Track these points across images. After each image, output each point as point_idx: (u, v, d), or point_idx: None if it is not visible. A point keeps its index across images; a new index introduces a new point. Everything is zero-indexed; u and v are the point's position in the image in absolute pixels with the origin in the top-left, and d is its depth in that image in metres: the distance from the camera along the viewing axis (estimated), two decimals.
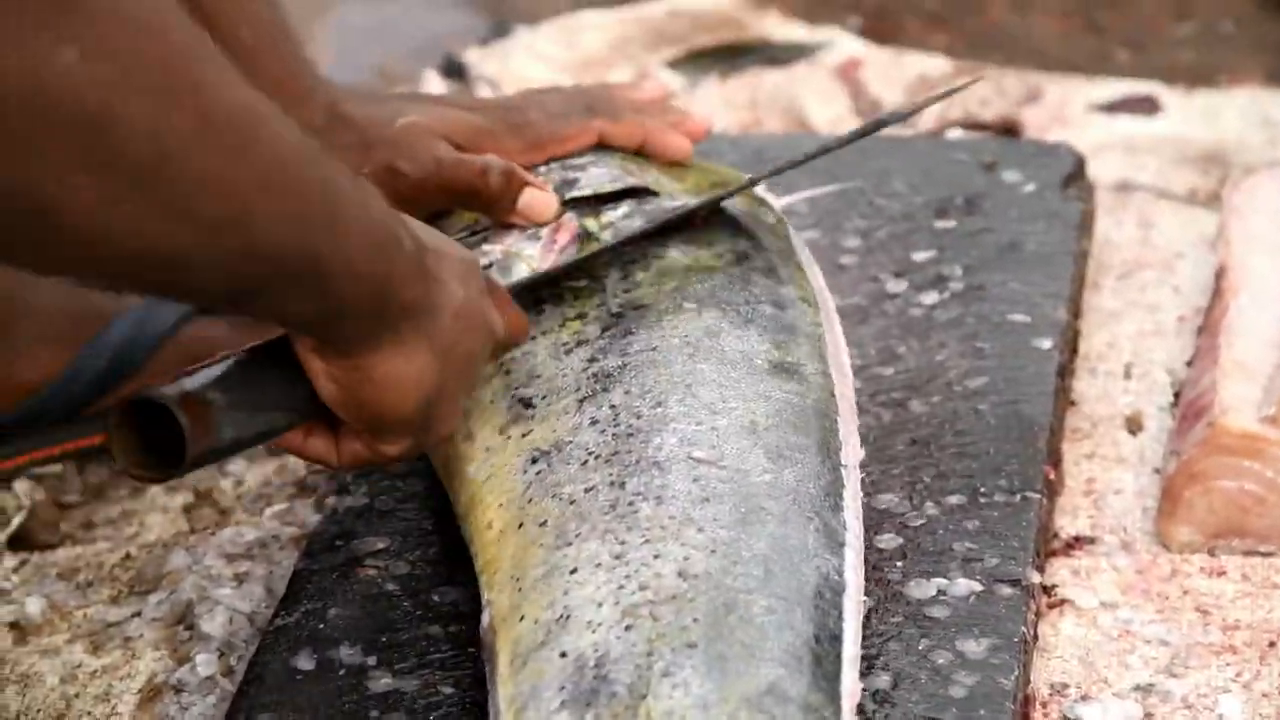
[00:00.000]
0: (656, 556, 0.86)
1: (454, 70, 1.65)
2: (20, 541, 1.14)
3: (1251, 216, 1.23)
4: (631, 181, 1.08)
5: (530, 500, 0.92)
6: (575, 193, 1.07)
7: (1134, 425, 1.14)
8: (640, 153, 1.12)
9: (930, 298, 1.18)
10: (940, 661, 0.90)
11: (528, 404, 0.97)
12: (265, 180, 0.72)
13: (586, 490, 0.91)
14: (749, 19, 1.75)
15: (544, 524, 0.90)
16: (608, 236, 1.05)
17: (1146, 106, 1.55)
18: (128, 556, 1.10)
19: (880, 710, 0.87)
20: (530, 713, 0.82)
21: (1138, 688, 0.95)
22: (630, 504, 0.89)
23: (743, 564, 0.86)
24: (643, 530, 0.88)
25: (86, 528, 1.15)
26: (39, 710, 0.99)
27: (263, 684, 0.92)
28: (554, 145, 1.10)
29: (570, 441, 0.94)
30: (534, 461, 0.94)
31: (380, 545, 1.00)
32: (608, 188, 1.07)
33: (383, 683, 0.91)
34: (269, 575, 1.05)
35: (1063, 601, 1.00)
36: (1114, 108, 1.55)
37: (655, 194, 1.08)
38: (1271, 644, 0.97)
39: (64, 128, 0.65)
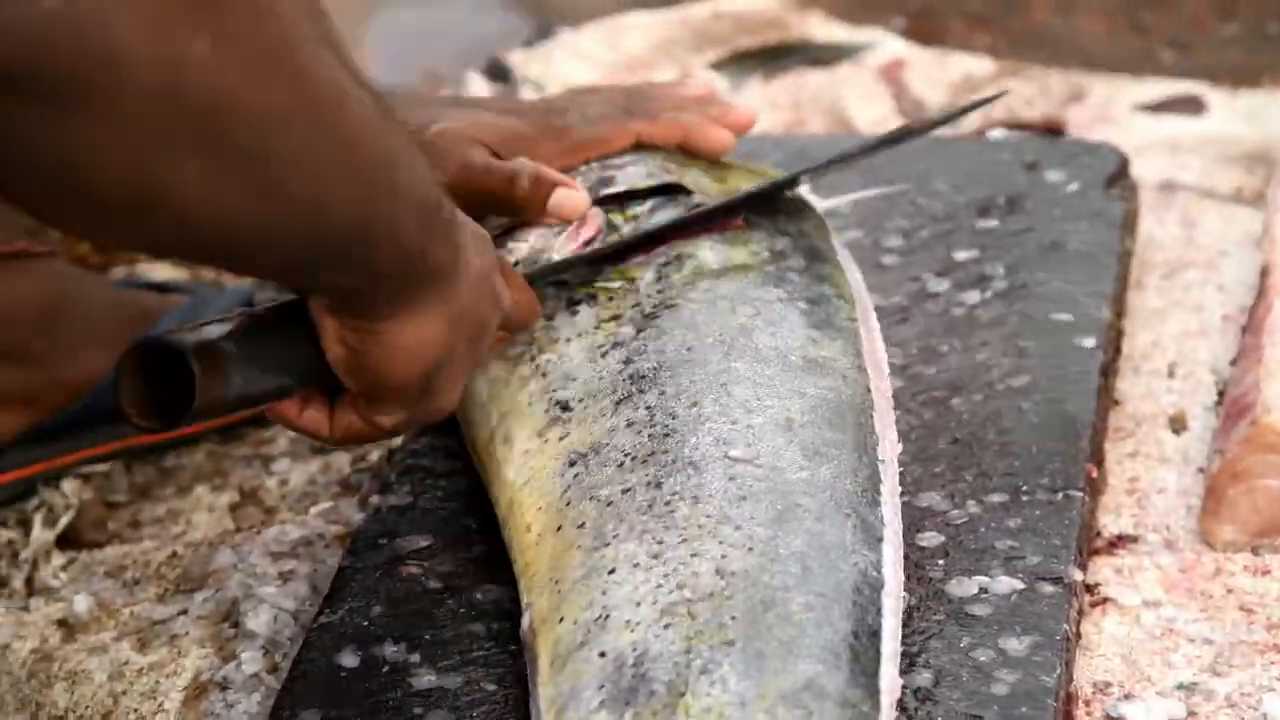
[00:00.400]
0: (694, 555, 0.87)
1: (498, 73, 1.66)
2: (68, 540, 1.15)
3: None
4: (666, 178, 1.08)
5: (569, 503, 0.93)
6: (609, 190, 1.08)
7: (1178, 424, 1.13)
8: (683, 151, 1.12)
9: (973, 297, 1.18)
10: (982, 659, 0.90)
11: (565, 407, 0.98)
12: (345, 159, 0.72)
13: (624, 491, 0.91)
14: (792, 20, 1.75)
15: (582, 526, 0.91)
16: (629, 230, 1.05)
17: (1191, 106, 1.54)
18: (174, 555, 1.11)
19: (922, 708, 0.87)
20: (570, 713, 0.83)
21: (1181, 686, 0.94)
22: (667, 504, 0.90)
23: (780, 561, 0.86)
24: (680, 529, 0.88)
25: (134, 526, 1.16)
26: (87, 707, 1.00)
27: (307, 681, 0.92)
28: (592, 148, 1.10)
29: (607, 444, 0.94)
30: (571, 464, 0.94)
31: (423, 543, 1.00)
32: (641, 184, 1.08)
33: (426, 680, 0.91)
34: (313, 573, 1.06)
35: (1105, 600, 1.00)
36: (1159, 108, 1.54)
37: (689, 192, 1.08)
38: None
39: (191, 117, 0.65)
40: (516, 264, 1.05)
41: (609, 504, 0.91)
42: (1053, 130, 1.51)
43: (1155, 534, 1.05)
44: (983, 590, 0.94)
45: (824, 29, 1.73)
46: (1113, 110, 1.54)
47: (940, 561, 0.96)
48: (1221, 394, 1.15)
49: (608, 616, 0.85)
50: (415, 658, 0.93)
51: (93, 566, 1.12)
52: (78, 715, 1.00)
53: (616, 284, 1.04)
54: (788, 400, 0.95)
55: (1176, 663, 0.96)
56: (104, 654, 1.03)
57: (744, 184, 1.11)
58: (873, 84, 1.62)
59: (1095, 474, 1.05)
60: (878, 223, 1.25)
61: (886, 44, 1.69)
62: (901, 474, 0.98)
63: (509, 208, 1.06)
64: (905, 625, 0.90)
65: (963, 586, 0.94)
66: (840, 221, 1.20)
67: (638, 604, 0.85)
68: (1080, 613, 0.97)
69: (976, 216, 1.26)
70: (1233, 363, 1.16)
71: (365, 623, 0.95)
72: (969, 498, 1.00)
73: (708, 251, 1.05)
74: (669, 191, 1.08)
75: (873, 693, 0.83)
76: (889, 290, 1.18)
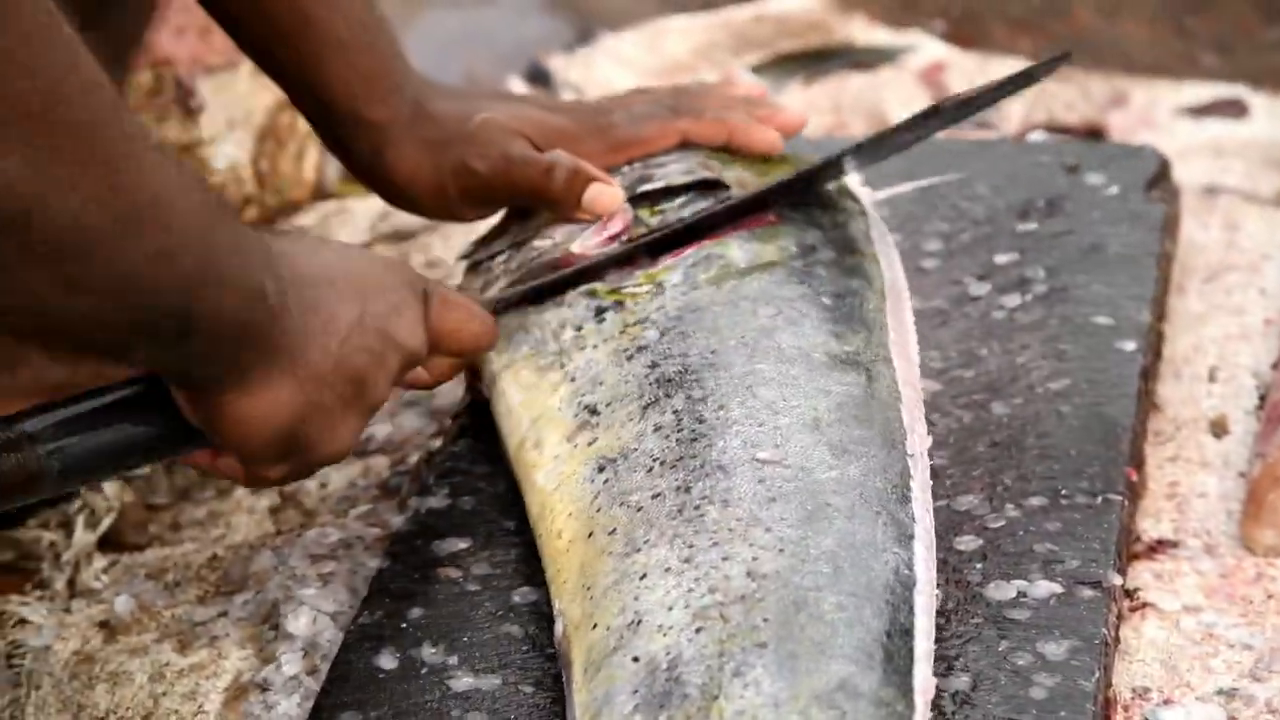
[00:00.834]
0: (725, 558, 0.87)
1: (539, 76, 1.66)
2: (110, 542, 1.15)
3: None
4: (704, 175, 1.08)
5: (599, 509, 0.93)
6: (647, 187, 1.08)
7: (1218, 428, 1.13)
8: (728, 150, 1.12)
9: (1012, 300, 1.17)
10: (1020, 663, 0.90)
11: (593, 410, 0.98)
12: (155, 262, 0.74)
13: (653, 496, 0.91)
14: (834, 23, 1.75)
15: (613, 532, 0.91)
16: (653, 224, 1.05)
17: (1234, 110, 1.54)
18: (215, 557, 1.12)
19: (960, 711, 0.87)
20: (605, 718, 0.83)
21: (1221, 692, 0.94)
22: (697, 508, 0.90)
23: (811, 562, 0.86)
24: (710, 533, 0.88)
25: (174, 529, 1.17)
26: (128, 708, 1.01)
27: (346, 683, 0.93)
28: (636, 146, 1.11)
29: (635, 449, 0.95)
30: (601, 470, 0.95)
31: (462, 546, 1.01)
32: (678, 181, 1.08)
33: (464, 682, 0.92)
34: (352, 576, 1.07)
35: (1145, 605, 0.99)
36: (1201, 111, 1.54)
37: (727, 188, 1.08)
38: None
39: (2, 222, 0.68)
40: (538, 257, 1.05)
41: (639, 509, 0.91)
42: (1094, 134, 1.51)
43: (1195, 539, 1.04)
44: (1021, 594, 0.94)
45: (865, 32, 1.73)
46: (1155, 114, 1.53)
47: (979, 565, 0.96)
48: (1263, 398, 1.14)
49: (640, 622, 0.85)
50: (453, 660, 0.93)
51: (134, 568, 1.12)
52: (119, 716, 1.01)
53: (644, 288, 1.04)
54: (814, 399, 0.95)
55: (1216, 668, 0.95)
56: (145, 655, 1.03)
57: (788, 175, 1.10)
58: (914, 87, 1.62)
59: (1135, 478, 1.04)
60: (917, 226, 1.25)
61: (927, 47, 1.68)
62: (940, 477, 0.98)
63: (544, 200, 1.07)
64: (943, 629, 0.90)
65: (1001, 590, 0.94)
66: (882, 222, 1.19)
67: (669, 608, 0.85)
68: (1119, 617, 0.96)
69: (1017, 219, 1.25)
70: (1274, 366, 1.16)
71: (404, 625, 0.95)
72: (1008, 501, 1.00)
73: (736, 250, 1.04)
74: (705, 188, 1.08)
75: (906, 692, 0.82)
76: (928, 293, 1.17)
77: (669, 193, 1.08)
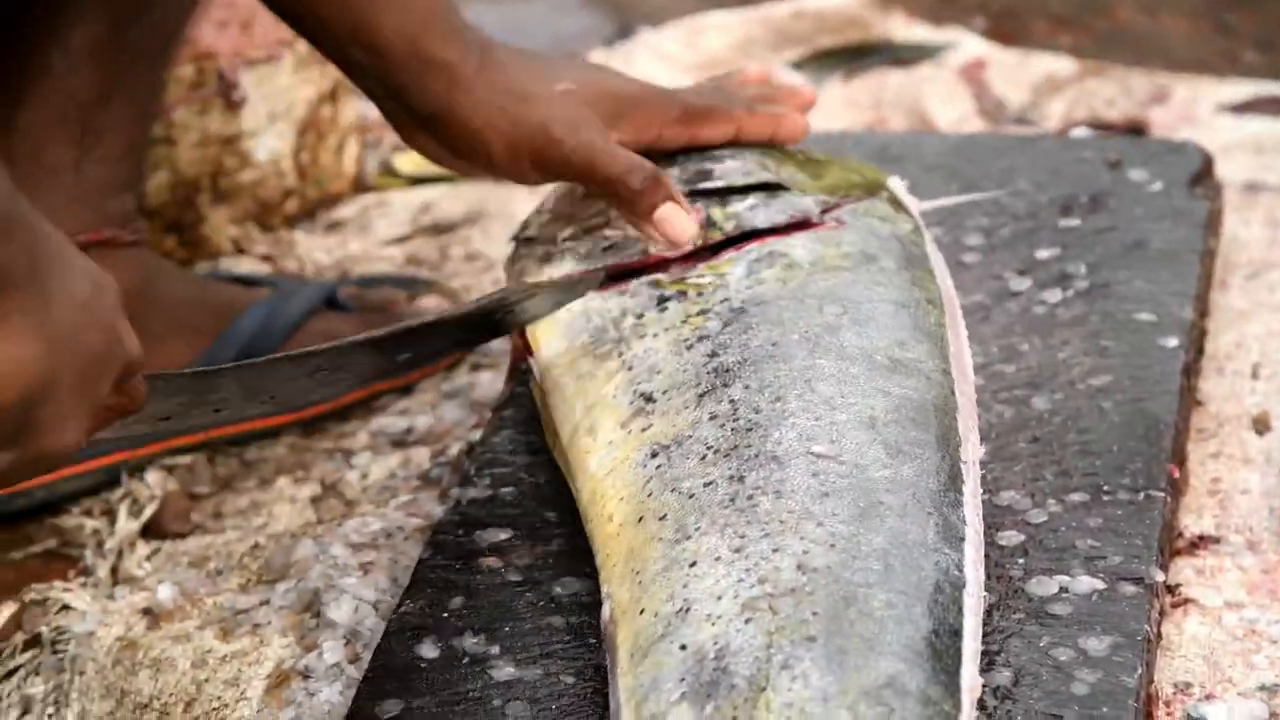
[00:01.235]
0: (775, 550, 0.87)
1: None
2: (152, 530, 1.16)
3: None
4: (765, 177, 1.08)
5: (650, 494, 0.93)
6: (707, 185, 1.08)
7: (1261, 425, 1.13)
8: (774, 148, 1.12)
9: (1054, 295, 1.17)
10: (1062, 658, 0.90)
11: (649, 398, 0.98)
12: None
13: (706, 484, 0.91)
14: (873, 19, 1.75)
15: (664, 518, 0.91)
16: (730, 228, 1.06)
17: (1275, 107, 1.53)
18: (256, 546, 1.12)
19: (1002, 706, 0.87)
20: (650, 704, 0.83)
21: (1263, 687, 0.94)
22: (749, 498, 0.90)
23: (861, 558, 0.86)
24: (762, 524, 0.88)
25: (216, 518, 1.17)
26: (170, 694, 1.01)
27: (388, 671, 0.93)
28: (704, 120, 1.09)
29: (690, 436, 0.95)
30: (654, 456, 0.95)
31: (503, 537, 1.01)
32: (739, 182, 1.08)
33: (505, 671, 0.92)
34: (394, 565, 1.07)
35: (1187, 601, 0.99)
36: (1242, 108, 1.53)
37: (787, 189, 1.08)
38: None
39: None
40: (610, 248, 1.05)
41: (690, 496, 0.91)
42: (1135, 130, 1.51)
43: (1237, 535, 1.04)
44: (1063, 589, 0.94)
45: (905, 28, 1.73)
46: (1196, 110, 1.53)
47: (1020, 560, 0.96)
48: None
49: (688, 609, 0.85)
50: (495, 650, 0.93)
51: (176, 556, 1.13)
52: (162, 702, 1.01)
53: (706, 279, 1.04)
54: (872, 398, 0.95)
55: (1259, 664, 0.95)
56: (187, 642, 1.04)
57: (841, 181, 1.11)
58: (954, 84, 1.62)
59: (1177, 474, 1.04)
60: (959, 221, 1.25)
61: (968, 44, 1.68)
62: (981, 473, 0.98)
63: (616, 198, 1.05)
64: (985, 624, 0.90)
65: (1043, 586, 0.94)
66: (923, 219, 1.19)
67: (719, 598, 0.85)
68: (1161, 613, 0.96)
69: (1059, 215, 1.25)
70: None
71: (445, 614, 0.96)
72: (1049, 496, 1.00)
73: (799, 249, 1.05)
74: (766, 189, 1.08)
75: (954, 691, 0.82)
76: (970, 288, 1.17)
77: (731, 192, 1.08)
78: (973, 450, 0.96)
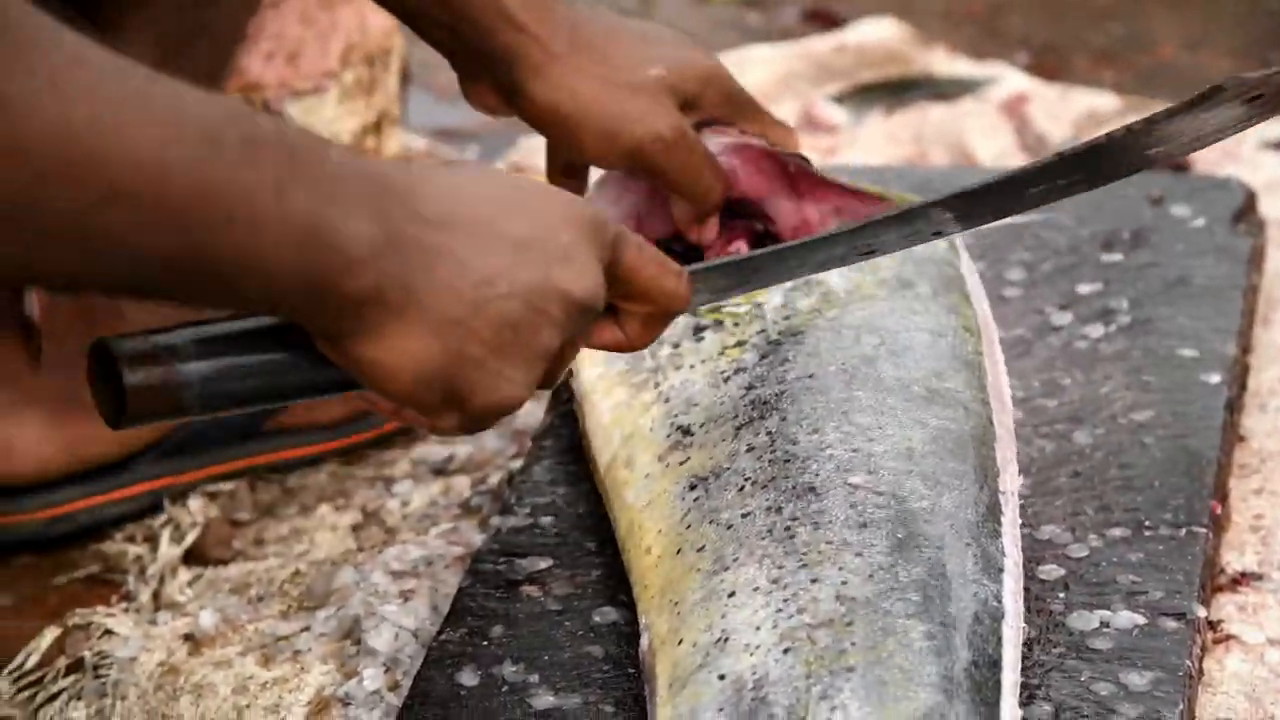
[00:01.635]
0: (814, 581, 0.87)
1: None
2: (194, 556, 1.17)
3: None
4: None
5: (689, 526, 0.93)
6: None
7: None
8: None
9: (1096, 330, 1.17)
10: (1103, 693, 0.89)
11: (686, 431, 0.99)
12: (160, 230, 0.71)
13: (744, 515, 0.92)
14: (915, 54, 1.75)
15: (702, 549, 0.91)
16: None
17: None
18: (297, 573, 1.12)
19: None
20: None
21: None
22: (787, 529, 0.90)
23: (900, 589, 0.86)
24: (800, 555, 0.88)
25: (258, 544, 1.18)
26: (211, 719, 1.02)
27: (427, 699, 0.93)
28: (755, 113, 1.10)
29: (728, 468, 0.95)
30: (692, 488, 0.95)
31: (543, 565, 1.01)
32: None
33: (545, 700, 0.92)
34: (434, 593, 1.07)
35: (1229, 637, 0.99)
36: None
37: None
38: None
39: None
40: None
41: (729, 527, 0.91)
42: (1178, 166, 1.50)
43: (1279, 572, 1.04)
44: (1104, 624, 0.94)
45: (946, 63, 1.73)
46: (1238, 147, 1.52)
47: (1061, 594, 0.96)
48: None
49: (727, 639, 0.86)
50: (534, 678, 0.94)
51: (218, 583, 1.13)
52: None
53: (743, 309, 1.05)
54: (909, 430, 0.95)
55: None
56: (229, 668, 1.04)
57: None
58: (995, 119, 1.62)
59: (1219, 510, 1.04)
60: (1000, 255, 1.25)
61: (1009, 79, 1.68)
62: (1022, 506, 0.98)
63: (682, 191, 1.06)
64: (1026, 657, 0.90)
65: (1084, 620, 0.94)
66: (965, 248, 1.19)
67: (757, 628, 0.85)
68: (1203, 649, 0.96)
69: (1100, 250, 1.25)
70: None
71: (485, 643, 0.96)
72: (1090, 531, 1.00)
73: (836, 278, 1.05)
74: None
75: None
76: (1011, 322, 1.17)
77: None
78: (1011, 480, 0.96)
